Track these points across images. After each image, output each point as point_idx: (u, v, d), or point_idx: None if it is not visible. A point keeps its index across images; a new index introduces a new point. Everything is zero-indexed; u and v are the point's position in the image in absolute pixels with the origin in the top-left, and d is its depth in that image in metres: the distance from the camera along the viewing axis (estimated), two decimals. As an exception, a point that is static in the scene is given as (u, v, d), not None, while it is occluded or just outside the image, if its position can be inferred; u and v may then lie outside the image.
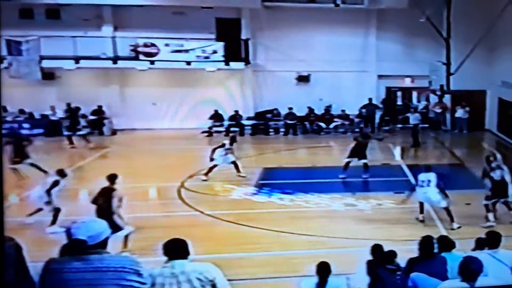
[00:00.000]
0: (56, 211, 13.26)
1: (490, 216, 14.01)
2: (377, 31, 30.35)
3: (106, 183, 11.93)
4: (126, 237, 11.74)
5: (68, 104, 27.27)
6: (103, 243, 4.59)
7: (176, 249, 5.81)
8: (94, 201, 11.93)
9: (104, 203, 11.71)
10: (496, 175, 14.11)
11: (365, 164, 18.81)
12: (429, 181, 14.48)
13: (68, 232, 4.54)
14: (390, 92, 31.63)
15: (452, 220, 13.98)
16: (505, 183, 14.15)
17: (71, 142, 24.95)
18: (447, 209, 14.24)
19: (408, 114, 27.12)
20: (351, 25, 29.82)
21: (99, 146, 25.33)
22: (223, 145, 18.71)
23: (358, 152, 18.91)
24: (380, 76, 30.65)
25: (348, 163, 18.69)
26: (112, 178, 12.01)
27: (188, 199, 16.12)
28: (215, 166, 18.31)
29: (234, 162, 18.64)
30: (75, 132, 25.55)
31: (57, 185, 13.47)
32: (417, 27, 27.48)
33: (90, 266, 4.41)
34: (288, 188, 14.18)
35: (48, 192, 13.32)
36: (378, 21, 30.10)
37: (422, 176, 14.56)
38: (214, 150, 18.57)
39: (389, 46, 30.19)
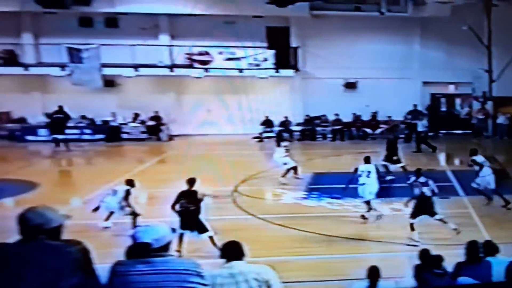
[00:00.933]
0: (135, 215, 13.47)
1: None
2: (421, 39, 30.29)
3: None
4: (181, 239, 11.87)
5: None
6: (166, 246, 4.59)
7: (233, 251, 5.90)
8: (176, 204, 12.05)
9: (190, 205, 11.84)
10: None
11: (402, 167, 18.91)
12: (368, 172, 14.41)
13: (133, 235, 4.58)
14: (435, 98, 31.34)
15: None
16: None
17: None
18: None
19: (416, 121, 26.79)
20: (396, 33, 29.80)
21: (157, 151, 25.56)
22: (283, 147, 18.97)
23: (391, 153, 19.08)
24: (424, 83, 30.42)
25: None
26: (192, 181, 12.19)
27: (241, 203, 16.25)
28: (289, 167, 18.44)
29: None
30: None
31: (130, 194, 13.69)
32: (460, 35, 27.43)
33: (154, 269, 4.43)
34: (336, 192, 14.18)
35: (126, 199, 13.59)
36: (422, 29, 30.00)
37: (362, 168, 14.49)
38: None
39: (432, 53, 30.05)
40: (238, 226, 13.57)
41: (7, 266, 4.11)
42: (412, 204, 13.15)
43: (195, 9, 27.82)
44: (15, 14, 27.59)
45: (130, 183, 14.03)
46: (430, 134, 28.80)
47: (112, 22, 29.35)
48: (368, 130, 29.52)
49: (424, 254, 8.32)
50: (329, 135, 29.68)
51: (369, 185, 14.32)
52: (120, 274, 4.46)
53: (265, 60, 29.31)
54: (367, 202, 14.38)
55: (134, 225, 13.25)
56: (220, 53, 29.21)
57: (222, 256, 5.92)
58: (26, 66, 28.30)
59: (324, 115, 30.14)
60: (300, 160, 19.97)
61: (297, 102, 30.26)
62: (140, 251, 4.49)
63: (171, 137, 29.16)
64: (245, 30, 28.97)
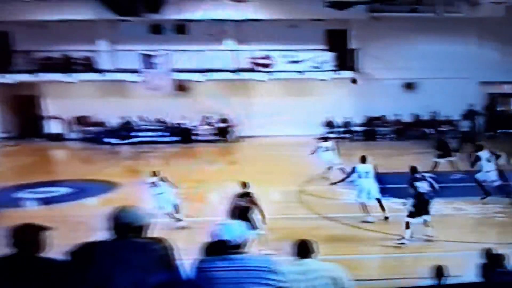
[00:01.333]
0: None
1: None
2: (478, 39, 29.64)
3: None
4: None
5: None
6: (244, 244, 4.64)
7: (305, 249, 5.94)
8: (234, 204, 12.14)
9: (245, 205, 11.92)
10: None
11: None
12: (366, 173, 14.11)
13: (214, 233, 4.64)
14: (492, 98, 30.65)
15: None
16: None
17: None
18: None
19: (466, 121, 26.21)
20: (453, 34, 29.36)
21: (226, 152, 25.70)
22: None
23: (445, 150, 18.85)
24: (481, 83, 29.69)
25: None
26: (245, 185, 12.30)
27: (306, 202, 16.21)
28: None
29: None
30: None
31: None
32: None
33: (233, 265, 4.49)
34: (399, 192, 13.96)
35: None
36: (478, 29, 29.36)
37: (361, 168, 14.16)
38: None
39: (489, 53, 29.48)
40: (306, 225, 13.52)
41: (100, 262, 4.23)
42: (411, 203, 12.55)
43: (260, 14, 27.98)
44: (92, 22, 28.28)
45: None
46: (487, 133, 28.25)
47: (181, 28, 29.77)
48: (428, 130, 29.06)
49: (489, 253, 8.16)
50: (389, 135, 29.32)
51: (369, 186, 14.13)
52: (201, 270, 4.53)
53: (325, 62, 29.23)
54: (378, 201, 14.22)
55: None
56: (282, 56, 29.27)
57: (293, 254, 5.94)
58: (103, 72, 29.06)
59: (383, 116, 29.84)
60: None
61: (357, 103, 30.01)
62: (220, 248, 4.55)
63: (238, 139, 29.38)
64: (305, 34, 29.06)
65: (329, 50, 29.72)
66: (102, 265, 4.22)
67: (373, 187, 14.27)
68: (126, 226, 4.37)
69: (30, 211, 15.62)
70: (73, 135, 30.41)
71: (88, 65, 29.30)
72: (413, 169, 12.92)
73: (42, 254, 4.45)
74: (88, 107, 29.53)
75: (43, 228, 4.53)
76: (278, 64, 29.31)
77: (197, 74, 28.75)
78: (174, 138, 29.02)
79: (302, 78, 29.05)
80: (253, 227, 11.44)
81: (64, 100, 29.49)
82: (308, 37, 29.24)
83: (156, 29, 29.70)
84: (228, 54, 29.34)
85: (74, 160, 26.17)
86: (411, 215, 12.27)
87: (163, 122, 29.63)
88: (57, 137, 30.14)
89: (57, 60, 29.10)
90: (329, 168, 18.81)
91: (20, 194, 17.10)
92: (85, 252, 4.32)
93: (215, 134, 29.13)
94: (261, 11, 28.19)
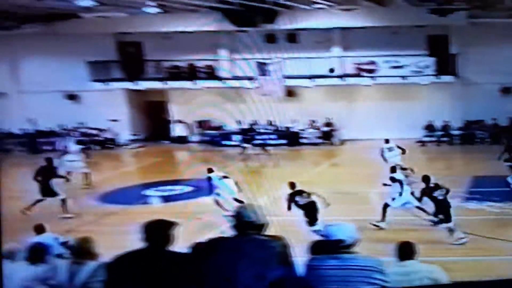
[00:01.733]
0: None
1: None
2: None
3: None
4: None
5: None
6: (353, 244, 4.58)
7: (407, 250, 5.94)
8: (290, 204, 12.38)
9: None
10: None
11: None
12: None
13: (326, 233, 4.63)
14: None
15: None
16: None
17: None
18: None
19: None
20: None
21: (329, 154, 25.58)
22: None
23: None
24: None
25: None
26: (292, 185, 12.61)
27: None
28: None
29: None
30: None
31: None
32: None
33: (344, 264, 4.41)
34: (496, 196, 13.48)
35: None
36: None
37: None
38: None
39: None
40: (407, 226, 13.35)
41: (224, 257, 4.28)
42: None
43: (365, 22, 27.72)
44: (213, 33, 28.98)
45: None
46: None
47: (292, 37, 29.87)
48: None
49: None
50: (487, 139, 28.21)
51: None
52: (312, 268, 4.49)
53: (427, 67, 28.52)
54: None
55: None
56: (386, 62, 28.85)
57: (396, 255, 5.93)
58: (223, 79, 29.77)
59: (482, 120, 28.77)
60: (459, 164, 19.18)
61: (457, 107, 28.98)
62: (331, 247, 4.50)
63: (342, 142, 29.23)
64: (408, 40, 28.44)
65: (430, 55, 28.96)
66: (226, 259, 4.25)
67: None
68: (249, 223, 4.38)
69: (155, 208, 16.21)
70: (195, 138, 31.17)
71: (210, 73, 30.05)
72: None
73: (170, 248, 4.55)
74: (208, 112, 30.12)
75: (172, 224, 4.63)
76: (381, 70, 28.91)
77: (305, 80, 28.84)
78: (282, 141, 29.23)
79: (404, 83, 28.48)
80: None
81: (188, 106, 30.25)
82: (410, 43, 28.59)
83: (270, 39, 29.96)
84: (334, 61, 29.20)
85: (195, 161, 26.78)
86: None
87: (274, 125, 29.92)
88: (181, 140, 30.91)
89: (183, 69, 30.01)
90: (393, 168, 18.51)
91: (146, 192, 17.67)
92: (210, 247, 4.38)
93: (320, 137, 29.10)
94: (366, 19, 27.79)
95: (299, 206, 12.70)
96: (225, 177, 15.85)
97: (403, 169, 17.50)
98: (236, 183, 15.24)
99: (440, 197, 12.37)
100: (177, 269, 4.40)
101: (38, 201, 16.19)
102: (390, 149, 19.03)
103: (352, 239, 4.57)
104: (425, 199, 12.85)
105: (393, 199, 13.96)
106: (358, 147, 27.30)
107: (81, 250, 5.50)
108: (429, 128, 28.48)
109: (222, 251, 4.33)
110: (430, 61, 28.55)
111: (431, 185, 12.65)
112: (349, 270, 4.42)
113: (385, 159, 18.93)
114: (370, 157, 23.75)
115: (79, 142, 27.94)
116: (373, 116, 28.71)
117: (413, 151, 25.16)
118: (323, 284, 4.41)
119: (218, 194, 15.52)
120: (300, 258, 4.57)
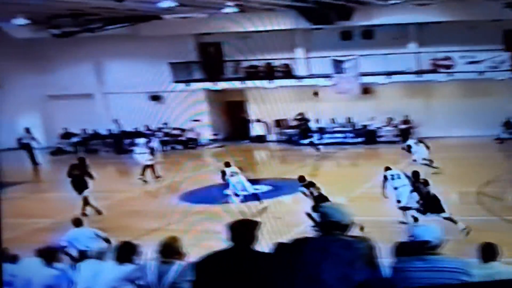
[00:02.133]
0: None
1: None
2: None
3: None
4: None
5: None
6: (440, 245, 4.47)
7: (492, 252, 5.79)
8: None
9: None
10: None
11: None
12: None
13: (414, 234, 4.51)
14: None
15: None
16: None
17: None
18: None
19: None
20: None
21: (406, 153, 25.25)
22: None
23: None
24: None
25: None
26: (301, 179, 12.62)
27: (485, 204, 15.38)
28: None
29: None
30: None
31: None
32: None
33: (430, 266, 4.32)
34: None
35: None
36: None
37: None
38: None
39: None
40: (486, 227, 12.82)
41: (309, 256, 4.21)
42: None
43: (441, 17, 26.89)
44: (290, 31, 28.95)
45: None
46: None
47: (368, 34, 29.40)
48: None
49: None
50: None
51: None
52: (398, 269, 4.41)
53: (503, 62, 27.37)
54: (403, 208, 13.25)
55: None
56: (462, 57, 27.88)
57: (479, 256, 5.81)
58: (299, 78, 29.66)
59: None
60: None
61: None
62: (418, 248, 4.41)
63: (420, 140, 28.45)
64: (484, 34, 27.32)
65: (507, 50, 27.75)
66: (311, 259, 4.18)
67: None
68: (334, 223, 4.29)
69: (236, 207, 16.30)
70: (273, 137, 31.27)
71: (287, 72, 30.03)
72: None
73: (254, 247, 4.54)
74: (286, 110, 29.81)
75: (256, 223, 4.64)
76: (457, 65, 27.96)
77: (381, 77, 28.32)
78: (358, 140, 28.84)
79: (481, 79, 27.43)
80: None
81: (266, 105, 30.11)
82: (486, 37, 27.47)
83: (346, 36, 29.59)
84: (410, 57, 28.53)
85: (273, 160, 26.78)
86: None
87: (351, 123, 29.57)
88: (260, 139, 31.02)
89: (260, 68, 30.12)
90: (414, 161, 18.10)
91: (226, 191, 17.68)
92: (295, 247, 4.33)
93: (396, 136, 28.40)
94: (442, 14, 26.98)
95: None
96: (236, 173, 16.09)
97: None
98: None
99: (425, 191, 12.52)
100: (262, 268, 4.38)
101: (84, 199, 16.61)
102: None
103: (439, 240, 4.46)
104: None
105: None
106: (435, 145, 26.46)
107: (169, 250, 5.56)
108: (507, 124, 27.28)
109: (307, 251, 4.27)
110: (506, 56, 27.33)
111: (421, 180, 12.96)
112: (435, 272, 4.32)
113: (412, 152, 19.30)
114: (447, 155, 23.07)
115: (163, 142, 28.72)
116: (450, 113, 27.93)
117: (491, 149, 24.29)
118: (409, 286, 4.33)
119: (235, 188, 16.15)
120: (386, 259, 4.50)
